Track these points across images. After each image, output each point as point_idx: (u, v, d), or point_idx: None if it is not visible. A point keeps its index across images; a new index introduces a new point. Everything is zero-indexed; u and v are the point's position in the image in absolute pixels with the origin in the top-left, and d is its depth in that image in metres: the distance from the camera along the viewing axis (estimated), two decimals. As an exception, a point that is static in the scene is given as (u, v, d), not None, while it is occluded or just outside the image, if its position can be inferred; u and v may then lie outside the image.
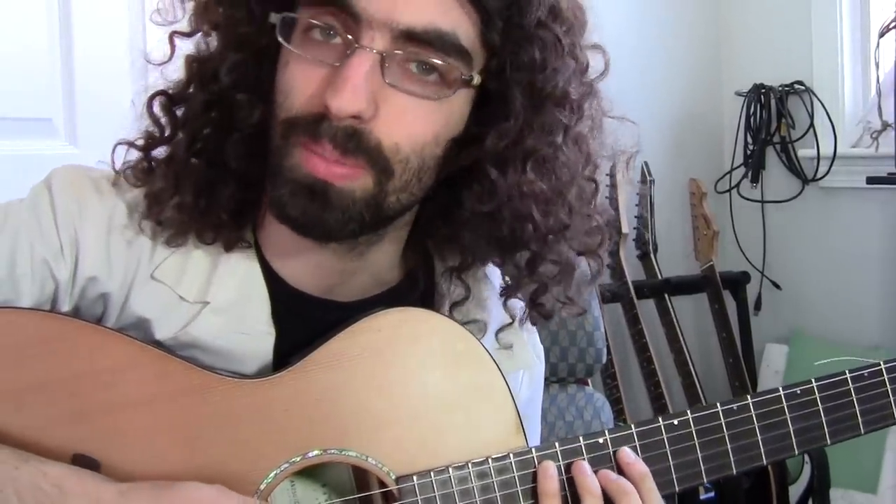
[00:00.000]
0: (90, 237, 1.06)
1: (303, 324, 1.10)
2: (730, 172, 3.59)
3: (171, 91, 1.09)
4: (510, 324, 1.21)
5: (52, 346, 0.99)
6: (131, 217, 1.08)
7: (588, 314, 1.81)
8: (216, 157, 1.07)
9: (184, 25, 1.09)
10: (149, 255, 1.08)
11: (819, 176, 3.40)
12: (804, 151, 3.43)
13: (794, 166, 3.45)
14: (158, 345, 1.06)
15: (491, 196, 1.08)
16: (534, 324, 1.22)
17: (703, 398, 3.06)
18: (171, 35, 1.09)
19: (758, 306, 3.54)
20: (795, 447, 1.16)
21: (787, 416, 1.16)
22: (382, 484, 1.06)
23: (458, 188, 1.10)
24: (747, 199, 3.57)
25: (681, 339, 3.14)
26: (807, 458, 3.02)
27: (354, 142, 0.98)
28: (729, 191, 3.60)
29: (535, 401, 1.31)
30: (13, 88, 2.11)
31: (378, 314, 1.08)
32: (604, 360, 1.93)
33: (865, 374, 1.19)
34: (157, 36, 1.11)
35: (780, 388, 1.16)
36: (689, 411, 1.14)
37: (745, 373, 3.15)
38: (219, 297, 1.08)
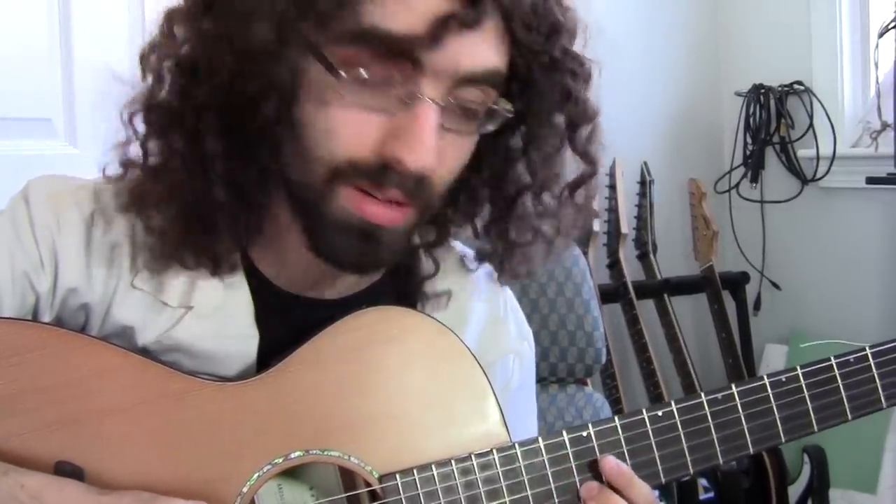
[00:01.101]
0: (69, 249, 1.06)
1: (288, 324, 1.09)
2: (729, 173, 3.59)
3: (163, 105, 1.03)
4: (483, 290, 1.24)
5: (33, 355, 0.99)
6: (112, 225, 1.08)
7: (587, 314, 1.81)
8: (217, 185, 1.03)
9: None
10: (129, 263, 1.08)
11: (818, 176, 3.40)
12: (803, 152, 3.43)
13: (793, 166, 3.46)
14: (141, 351, 1.06)
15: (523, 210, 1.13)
16: (503, 283, 1.24)
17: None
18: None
19: (757, 306, 3.54)
20: (782, 435, 1.15)
21: (773, 403, 1.15)
22: (368, 483, 1.06)
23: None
24: (747, 200, 3.57)
25: (680, 339, 3.14)
26: (806, 458, 3.02)
27: (422, 188, 1.00)
28: (728, 191, 3.60)
29: (527, 387, 1.31)
30: (13, 88, 2.11)
31: (357, 314, 1.09)
32: (603, 360, 1.93)
33: (851, 360, 1.18)
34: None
35: (766, 377, 1.15)
36: (673, 402, 1.13)
37: (744, 373, 3.15)
38: (202, 301, 1.08)
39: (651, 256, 3.26)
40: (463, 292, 1.22)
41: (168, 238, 1.04)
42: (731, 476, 2.93)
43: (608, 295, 3.09)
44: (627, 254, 3.17)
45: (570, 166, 1.16)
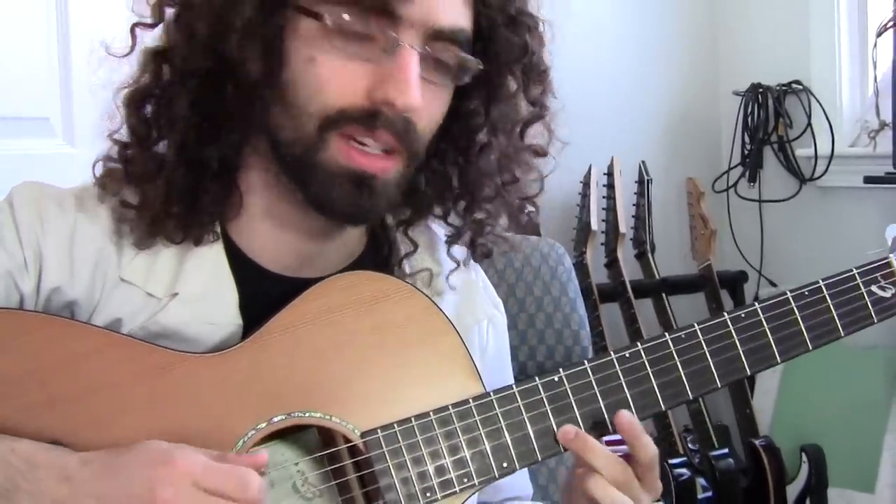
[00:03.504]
0: (52, 249, 1.09)
1: (274, 306, 1.11)
2: (727, 172, 3.59)
3: (140, 89, 1.10)
4: (456, 268, 1.27)
5: (17, 341, 1.01)
6: (95, 225, 1.11)
7: (574, 312, 1.82)
8: (196, 157, 1.09)
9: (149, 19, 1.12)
10: (116, 259, 1.10)
11: (816, 175, 3.40)
12: (802, 151, 3.43)
13: (791, 166, 3.46)
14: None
15: (459, 162, 1.20)
16: (476, 262, 1.30)
17: (701, 399, 3.06)
18: (133, 27, 1.12)
19: (755, 306, 3.54)
20: (748, 368, 1.20)
21: (735, 338, 1.19)
22: (349, 441, 1.08)
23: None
24: (745, 199, 3.57)
25: (678, 338, 3.14)
26: (804, 457, 3.02)
27: (409, 133, 1.07)
28: (726, 190, 3.60)
29: (503, 352, 1.37)
30: (10, 88, 2.11)
31: (329, 279, 1.13)
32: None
33: (806, 293, 1.23)
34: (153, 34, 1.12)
35: (725, 313, 1.20)
36: (639, 343, 1.18)
37: (742, 372, 3.14)
38: (187, 288, 1.11)
39: (649, 256, 3.27)
40: (438, 265, 1.27)
41: (152, 213, 1.09)
42: (730, 475, 2.93)
43: (606, 294, 3.10)
44: (625, 253, 3.17)
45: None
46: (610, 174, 3.14)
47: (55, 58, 2.18)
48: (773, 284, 3.52)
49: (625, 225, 3.15)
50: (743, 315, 1.21)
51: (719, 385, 1.19)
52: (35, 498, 0.93)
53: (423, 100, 1.06)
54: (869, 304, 1.26)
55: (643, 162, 3.27)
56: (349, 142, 1.06)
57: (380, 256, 1.26)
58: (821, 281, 1.24)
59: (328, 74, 1.05)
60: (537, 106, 1.20)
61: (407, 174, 1.12)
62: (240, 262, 1.15)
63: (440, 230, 1.29)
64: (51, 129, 2.19)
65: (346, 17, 1.03)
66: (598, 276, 3.12)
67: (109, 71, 1.11)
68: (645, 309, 3.19)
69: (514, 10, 1.13)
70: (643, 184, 3.25)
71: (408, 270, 1.25)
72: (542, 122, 1.22)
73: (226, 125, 1.08)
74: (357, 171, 1.07)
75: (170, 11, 1.10)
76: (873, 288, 1.27)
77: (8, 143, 2.13)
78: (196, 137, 1.08)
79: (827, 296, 1.23)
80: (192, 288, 1.11)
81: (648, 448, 1.14)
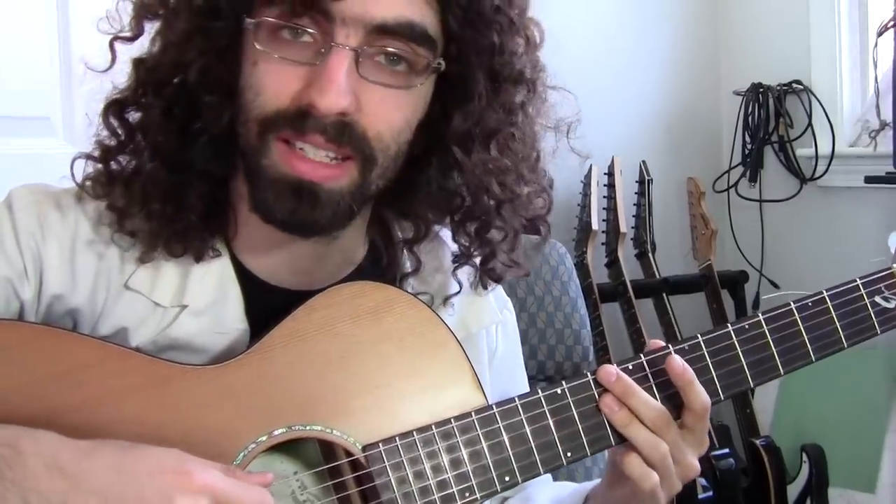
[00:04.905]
0: (54, 255, 1.07)
1: (275, 317, 1.10)
2: (728, 172, 3.59)
3: (120, 97, 1.10)
4: (457, 292, 1.24)
5: (14, 353, 0.99)
6: (97, 230, 1.10)
7: (575, 312, 1.82)
8: (179, 161, 1.08)
9: (128, 32, 1.11)
10: (119, 266, 1.09)
11: (817, 175, 3.40)
12: (802, 151, 3.43)
13: (792, 166, 3.45)
14: (133, 349, 1.07)
15: (455, 172, 1.15)
16: (484, 287, 1.26)
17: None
18: (112, 41, 1.10)
19: (756, 305, 3.53)
20: (750, 380, 1.19)
21: (739, 350, 1.18)
22: (350, 455, 1.07)
23: (416, 164, 1.15)
24: (745, 199, 3.57)
25: (679, 338, 3.13)
26: (805, 456, 3.02)
27: (347, 133, 1.03)
28: (727, 190, 3.60)
29: (513, 352, 1.35)
30: (11, 87, 2.11)
31: (331, 290, 1.12)
32: (590, 358, 1.94)
33: (809, 304, 1.22)
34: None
35: (729, 325, 1.19)
36: (642, 355, 1.18)
37: (743, 372, 3.14)
38: (196, 299, 1.10)
39: (650, 255, 3.26)
40: (443, 286, 1.24)
41: (150, 230, 1.08)
42: (730, 475, 2.93)
43: (607, 294, 3.09)
44: (626, 253, 3.16)
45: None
46: (610, 174, 3.13)
47: (56, 57, 2.17)
48: (774, 284, 3.52)
49: (625, 225, 3.14)
50: (747, 326, 1.19)
51: (722, 398, 1.18)
52: (22, 489, 0.88)
53: (370, 102, 1.04)
54: (872, 314, 1.25)
55: (644, 162, 3.27)
56: (292, 148, 1.04)
57: (379, 268, 1.24)
58: (825, 291, 1.22)
59: (266, 78, 1.04)
60: (511, 113, 1.14)
61: (365, 184, 1.08)
62: (244, 276, 1.14)
63: (449, 250, 1.26)
64: (52, 129, 2.19)
65: (271, 19, 1.02)
66: (599, 275, 3.11)
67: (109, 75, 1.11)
68: (645, 309, 3.18)
69: (483, 7, 1.07)
70: (644, 183, 3.25)
71: (408, 289, 1.22)
72: (548, 128, 1.19)
73: (201, 134, 1.08)
74: (296, 177, 1.04)
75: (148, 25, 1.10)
76: (877, 298, 1.26)
77: (8, 142, 2.13)
78: (175, 141, 1.08)
79: (831, 307, 1.22)
80: (202, 298, 1.10)
81: (701, 395, 1.13)
